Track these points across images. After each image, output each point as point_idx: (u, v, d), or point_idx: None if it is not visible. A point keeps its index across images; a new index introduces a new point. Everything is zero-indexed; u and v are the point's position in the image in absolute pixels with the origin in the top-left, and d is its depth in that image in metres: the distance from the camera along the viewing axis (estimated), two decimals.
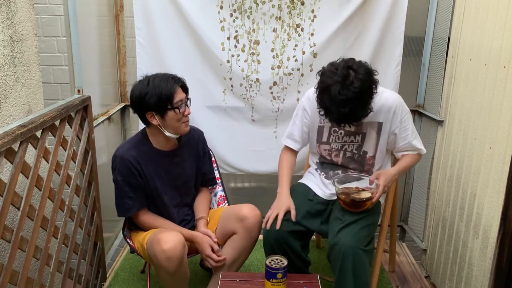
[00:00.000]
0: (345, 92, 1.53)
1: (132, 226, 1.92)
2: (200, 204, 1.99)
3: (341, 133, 1.83)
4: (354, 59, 1.63)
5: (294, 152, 1.95)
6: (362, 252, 1.60)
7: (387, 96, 1.76)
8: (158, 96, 1.68)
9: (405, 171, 1.88)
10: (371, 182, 1.71)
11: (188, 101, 1.80)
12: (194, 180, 1.96)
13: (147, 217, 1.84)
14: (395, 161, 1.93)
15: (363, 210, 1.71)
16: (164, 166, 1.84)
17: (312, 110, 1.84)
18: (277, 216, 1.72)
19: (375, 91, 1.62)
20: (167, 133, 1.77)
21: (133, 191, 1.79)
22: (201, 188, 2.04)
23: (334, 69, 1.59)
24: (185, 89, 1.79)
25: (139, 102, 1.73)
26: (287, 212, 1.74)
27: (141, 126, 2.47)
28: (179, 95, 1.73)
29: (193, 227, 1.94)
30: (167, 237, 1.62)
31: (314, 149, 1.92)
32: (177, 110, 1.72)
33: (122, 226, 2.00)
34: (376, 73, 1.63)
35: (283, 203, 1.76)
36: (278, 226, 1.70)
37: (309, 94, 1.87)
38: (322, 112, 1.65)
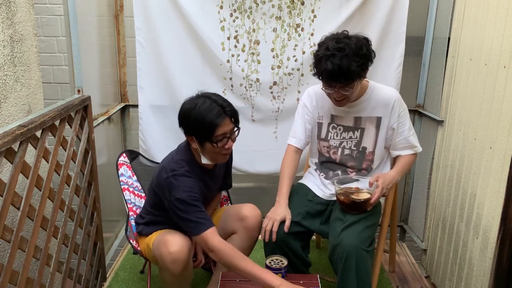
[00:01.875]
0: (342, 41, 1.60)
1: (142, 232, 1.87)
2: (210, 203, 1.99)
3: (339, 129, 1.83)
4: None
5: (298, 152, 1.93)
6: (365, 253, 1.60)
7: (385, 91, 1.80)
8: (200, 125, 1.57)
9: (404, 172, 1.89)
10: (370, 184, 1.72)
11: (236, 132, 1.66)
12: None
13: (223, 245, 1.57)
14: (393, 160, 1.93)
15: (361, 212, 1.71)
16: (205, 182, 1.76)
17: (312, 106, 1.87)
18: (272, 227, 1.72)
19: (370, 60, 1.66)
20: (203, 160, 1.68)
21: (202, 206, 1.63)
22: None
23: (334, 33, 1.69)
24: (235, 119, 1.65)
25: (182, 121, 1.64)
26: (282, 222, 1.73)
27: (141, 126, 2.49)
28: (224, 128, 1.59)
29: None
30: (173, 240, 1.61)
31: (315, 146, 1.93)
32: (215, 144, 1.60)
33: (121, 226, 2.00)
34: (373, 52, 1.69)
35: (279, 213, 1.74)
36: (274, 238, 1.71)
37: (309, 91, 1.91)
38: (315, 72, 1.68)
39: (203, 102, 1.59)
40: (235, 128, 1.65)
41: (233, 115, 1.63)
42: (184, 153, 1.73)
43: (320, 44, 1.68)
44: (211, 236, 1.57)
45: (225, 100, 1.63)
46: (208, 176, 1.77)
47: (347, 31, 1.69)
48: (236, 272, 1.55)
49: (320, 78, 1.66)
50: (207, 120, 1.56)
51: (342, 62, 1.56)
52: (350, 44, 1.59)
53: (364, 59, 1.62)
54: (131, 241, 1.91)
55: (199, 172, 1.71)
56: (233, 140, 1.67)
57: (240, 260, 1.53)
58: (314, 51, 1.70)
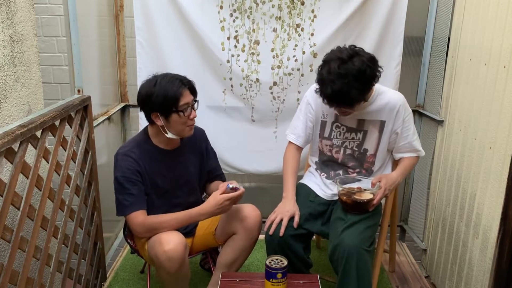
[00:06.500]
0: (344, 67, 1.55)
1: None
2: (216, 183, 1.98)
3: (343, 129, 1.83)
4: (362, 48, 1.64)
5: (299, 150, 1.93)
6: (365, 253, 1.60)
7: (391, 95, 1.79)
8: (163, 98, 1.65)
9: (406, 174, 1.90)
10: (373, 185, 1.72)
11: (196, 104, 1.75)
12: (197, 179, 1.94)
13: (147, 217, 1.72)
14: (395, 163, 1.93)
15: (363, 212, 1.71)
16: (167, 165, 1.81)
17: (316, 104, 1.86)
18: (281, 222, 1.72)
19: (374, 81, 1.63)
20: (169, 135, 1.73)
21: (133, 188, 1.71)
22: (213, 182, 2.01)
23: (340, 49, 1.63)
24: (193, 92, 1.75)
25: (145, 101, 1.70)
26: (291, 219, 1.73)
27: (141, 126, 2.49)
28: (186, 98, 1.69)
29: (195, 228, 1.94)
30: (168, 238, 1.62)
31: (316, 144, 1.92)
32: (181, 114, 1.68)
33: (122, 226, 2.00)
34: (380, 69, 1.63)
35: (289, 209, 1.75)
36: (281, 233, 1.69)
37: (313, 88, 1.87)
38: (317, 88, 1.65)
39: (163, 77, 1.70)
40: (194, 100, 1.75)
41: (191, 87, 1.74)
42: (138, 134, 1.85)
43: (324, 62, 1.63)
44: (134, 218, 1.70)
45: (181, 76, 1.74)
46: (170, 158, 1.77)
47: (354, 46, 1.64)
48: (169, 229, 1.68)
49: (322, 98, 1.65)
50: (170, 92, 1.66)
51: (343, 89, 1.54)
52: (352, 70, 1.54)
53: (367, 84, 1.60)
54: (129, 240, 1.92)
55: (152, 152, 1.78)
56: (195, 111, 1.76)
57: (165, 216, 1.70)
58: (319, 67, 1.65)
